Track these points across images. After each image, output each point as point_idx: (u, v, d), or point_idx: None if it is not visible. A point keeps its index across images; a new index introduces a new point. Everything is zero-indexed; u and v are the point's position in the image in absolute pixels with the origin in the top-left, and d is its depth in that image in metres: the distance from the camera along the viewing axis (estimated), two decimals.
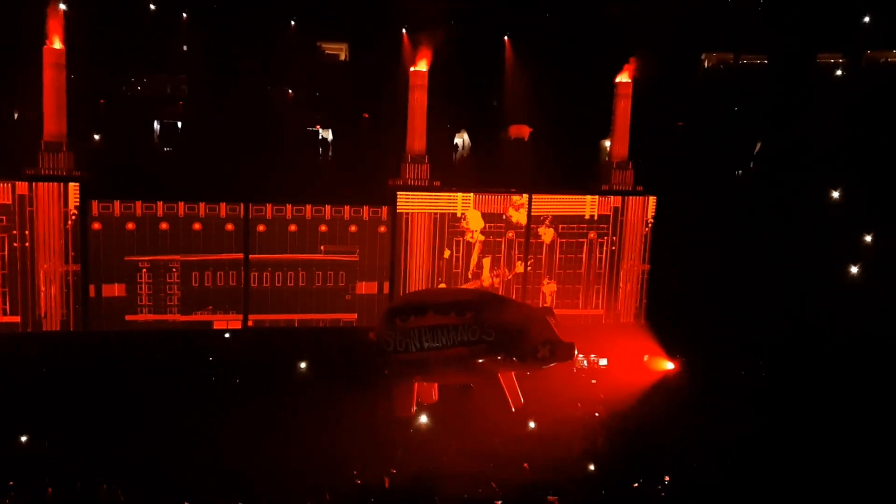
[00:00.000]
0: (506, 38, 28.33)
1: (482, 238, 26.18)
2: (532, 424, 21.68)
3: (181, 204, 23.97)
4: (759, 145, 28.33)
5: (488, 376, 20.79)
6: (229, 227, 24.34)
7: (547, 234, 26.63)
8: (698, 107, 27.30)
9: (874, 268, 26.48)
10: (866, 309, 24.97)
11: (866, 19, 29.28)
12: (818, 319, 24.97)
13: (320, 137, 29.98)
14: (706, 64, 31.26)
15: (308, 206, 24.77)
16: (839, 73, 30.35)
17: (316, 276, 25.01)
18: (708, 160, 26.49)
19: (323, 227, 24.95)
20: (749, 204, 26.06)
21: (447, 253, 25.90)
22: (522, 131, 29.77)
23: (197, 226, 24.13)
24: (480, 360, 20.31)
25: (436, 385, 22.23)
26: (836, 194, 27.55)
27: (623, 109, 26.95)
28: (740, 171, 27.38)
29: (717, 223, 25.41)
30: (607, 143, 28.78)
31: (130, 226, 23.72)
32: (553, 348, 20.02)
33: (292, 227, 24.74)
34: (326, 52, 30.07)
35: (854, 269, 26.99)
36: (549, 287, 26.88)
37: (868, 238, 27.40)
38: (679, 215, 26.37)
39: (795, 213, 26.08)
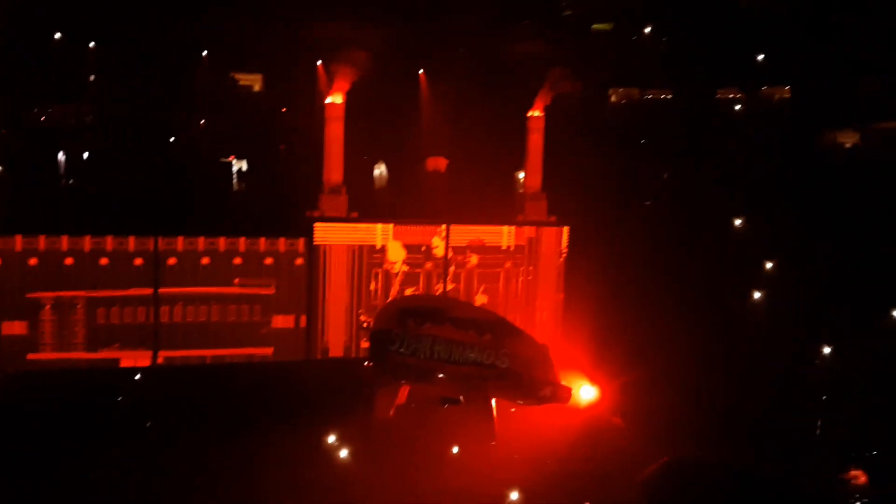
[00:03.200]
0: (421, 72, 28.71)
1: (405, 269, 26.18)
2: (455, 449, 21.60)
3: (87, 238, 23.12)
4: (665, 176, 29.46)
5: (482, 400, 20.65)
6: (138, 261, 23.61)
7: (473, 258, 26.92)
8: (607, 140, 28.26)
9: (777, 292, 27.73)
10: (770, 332, 26.09)
11: (760, 58, 31.02)
12: (726, 344, 25.86)
13: (235, 168, 29.54)
14: (613, 98, 32.40)
15: (222, 239, 24.26)
16: (738, 107, 31.95)
17: (230, 311, 24.46)
18: (618, 191, 27.36)
19: (237, 260, 24.47)
20: (658, 232, 26.96)
21: (372, 285, 25.77)
22: (439, 163, 30.11)
23: (104, 260, 23.32)
24: (485, 384, 20.20)
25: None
26: (738, 222, 28.82)
27: (535, 142, 27.63)
28: (649, 202, 28.35)
29: (629, 251, 26.18)
30: (522, 175, 29.41)
31: (33, 261, 22.71)
32: (554, 390, 20.19)
33: (205, 260, 24.15)
34: (240, 82, 29.76)
35: (757, 295, 28.20)
36: (480, 298, 27.05)
37: (769, 265, 28.69)
38: (592, 244, 27.06)
39: (702, 240, 27.10)
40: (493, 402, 21.57)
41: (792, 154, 29.40)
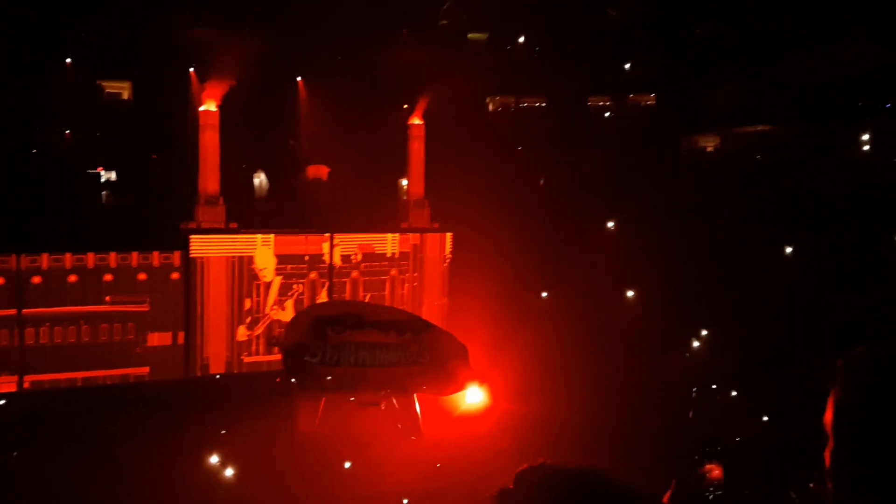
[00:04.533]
0: (299, 79, 28.37)
1: (279, 278, 25.66)
2: (348, 465, 21.50)
3: None
4: (542, 180, 30.32)
5: (406, 398, 20.68)
6: None
7: (358, 256, 26.79)
8: (486, 147, 28.84)
9: (647, 290, 29.04)
10: (646, 329, 27.27)
11: (627, 66, 32.49)
12: (606, 343, 26.83)
13: (103, 180, 28.20)
14: (491, 107, 33.11)
15: (90, 254, 23.15)
16: (607, 114, 33.35)
17: (101, 330, 23.33)
18: (497, 196, 27.95)
19: (108, 276, 23.39)
20: (537, 236, 27.71)
21: (248, 303, 25.08)
22: (320, 171, 29.84)
23: None
24: (410, 381, 20.23)
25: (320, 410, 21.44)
26: (610, 224, 30.04)
27: (417, 150, 27.95)
28: (526, 206, 29.13)
29: (509, 255, 26.78)
30: (405, 183, 29.57)
31: None
32: (468, 375, 20.53)
33: (72, 278, 22.96)
34: (107, 90, 28.46)
35: (630, 293, 29.48)
36: None
37: (643, 263, 29.98)
38: (474, 249, 27.51)
39: (578, 242, 28.06)
40: (416, 397, 21.83)
41: (659, 157, 30.90)
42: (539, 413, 23.30)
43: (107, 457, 20.64)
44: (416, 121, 27.86)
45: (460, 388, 21.55)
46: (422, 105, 27.56)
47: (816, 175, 28.92)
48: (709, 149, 33.82)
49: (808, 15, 29.34)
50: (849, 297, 25.72)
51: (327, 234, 26.29)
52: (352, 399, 21.76)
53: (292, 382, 20.86)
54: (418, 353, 20.76)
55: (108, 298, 23.34)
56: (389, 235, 27.29)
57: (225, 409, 23.47)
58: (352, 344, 20.33)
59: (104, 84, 28.19)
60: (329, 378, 20.39)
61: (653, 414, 22.87)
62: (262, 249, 25.40)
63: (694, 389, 25.27)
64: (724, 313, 27.06)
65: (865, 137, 32.27)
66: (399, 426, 23.77)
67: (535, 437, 21.27)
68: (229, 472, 20.84)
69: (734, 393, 24.92)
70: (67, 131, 27.90)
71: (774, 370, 24.26)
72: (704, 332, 28.09)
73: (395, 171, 30.01)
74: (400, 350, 20.63)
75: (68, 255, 22.88)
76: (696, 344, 28.12)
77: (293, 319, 22.69)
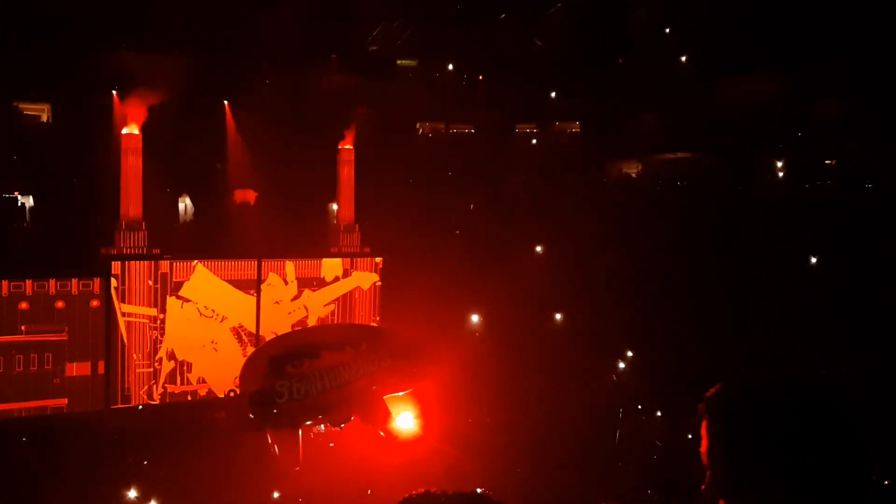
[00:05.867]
0: (226, 102, 28.03)
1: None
2: (276, 495, 21.16)
3: None
4: (472, 206, 30.63)
5: (377, 403, 20.54)
6: None
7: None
8: (415, 172, 29.00)
9: (575, 312, 29.56)
10: (572, 352, 27.74)
11: (553, 95, 33.28)
12: (533, 366, 27.16)
13: (20, 205, 27.20)
14: (421, 132, 33.37)
15: (5, 282, 22.21)
16: (534, 141, 34.03)
17: (16, 360, 22.33)
18: (427, 221, 28.10)
19: (23, 305, 22.46)
20: (466, 260, 27.92)
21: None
22: (247, 196, 29.45)
23: None
24: (378, 388, 20.18)
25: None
26: (538, 248, 30.53)
27: (347, 175, 27.88)
28: (458, 231, 29.37)
29: (438, 279, 26.90)
30: (335, 207, 29.43)
31: None
32: (430, 365, 20.61)
33: None
34: (26, 112, 27.55)
35: (558, 316, 29.94)
36: None
37: (569, 286, 30.52)
38: (405, 273, 27.55)
39: (505, 266, 28.37)
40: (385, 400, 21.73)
41: (584, 182, 31.63)
42: (467, 438, 23.36)
43: (22, 492, 19.82)
44: (346, 146, 27.81)
45: (431, 375, 21.50)
46: (352, 130, 27.54)
47: (734, 200, 30.07)
48: (632, 175, 34.84)
49: (724, 48, 30.65)
50: (769, 318, 26.71)
51: (254, 260, 25.92)
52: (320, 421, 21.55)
53: (263, 425, 20.41)
54: (379, 359, 20.68)
55: (23, 328, 22.38)
56: (326, 261, 27.12)
57: (148, 441, 22.80)
58: (315, 373, 20.01)
59: (22, 106, 27.29)
60: (301, 412, 20.07)
61: (579, 436, 23.22)
62: (202, 271, 24.88)
63: (620, 411, 25.79)
64: (649, 335, 27.72)
65: (780, 164, 33.77)
66: (330, 446, 23.55)
67: (462, 463, 21.35)
68: None
69: (659, 413, 25.54)
70: None
71: (699, 392, 24.93)
72: (630, 354, 28.73)
73: (324, 196, 29.85)
74: (361, 363, 20.51)
75: None
76: (622, 366, 28.71)
77: (245, 367, 21.83)
